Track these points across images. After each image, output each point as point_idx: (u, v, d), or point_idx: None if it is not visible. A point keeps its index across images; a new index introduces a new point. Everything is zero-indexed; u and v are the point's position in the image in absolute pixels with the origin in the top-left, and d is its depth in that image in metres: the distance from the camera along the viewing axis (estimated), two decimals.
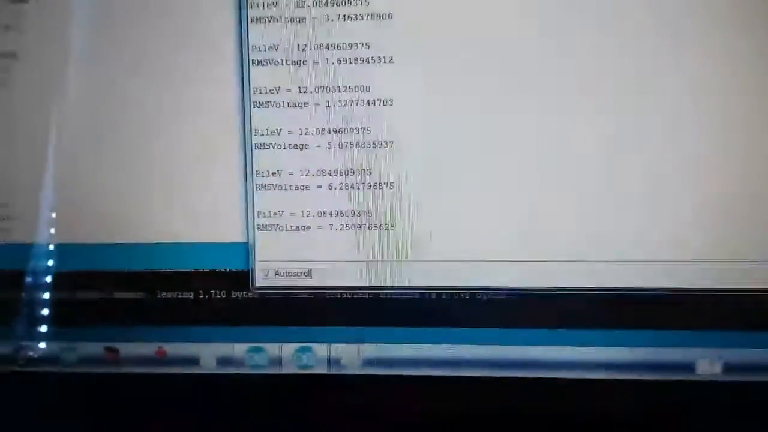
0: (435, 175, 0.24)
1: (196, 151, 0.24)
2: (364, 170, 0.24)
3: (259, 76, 0.24)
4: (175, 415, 0.26)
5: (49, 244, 0.25)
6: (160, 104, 0.24)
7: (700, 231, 0.23)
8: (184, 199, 0.25)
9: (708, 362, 0.24)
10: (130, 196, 0.25)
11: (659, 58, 0.23)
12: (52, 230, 0.25)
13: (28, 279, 0.25)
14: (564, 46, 0.23)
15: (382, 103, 0.24)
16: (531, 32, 0.23)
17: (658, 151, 0.23)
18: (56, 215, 0.25)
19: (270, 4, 0.24)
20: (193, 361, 0.26)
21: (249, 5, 0.24)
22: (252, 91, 0.24)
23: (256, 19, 0.24)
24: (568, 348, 0.25)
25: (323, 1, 0.24)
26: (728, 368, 0.24)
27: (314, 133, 0.24)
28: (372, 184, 0.24)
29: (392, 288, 0.25)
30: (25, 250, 0.25)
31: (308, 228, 0.25)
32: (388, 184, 0.24)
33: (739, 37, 0.23)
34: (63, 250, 0.25)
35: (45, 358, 0.26)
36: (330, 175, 0.24)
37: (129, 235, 0.25)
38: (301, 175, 0.24)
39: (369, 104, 0.24)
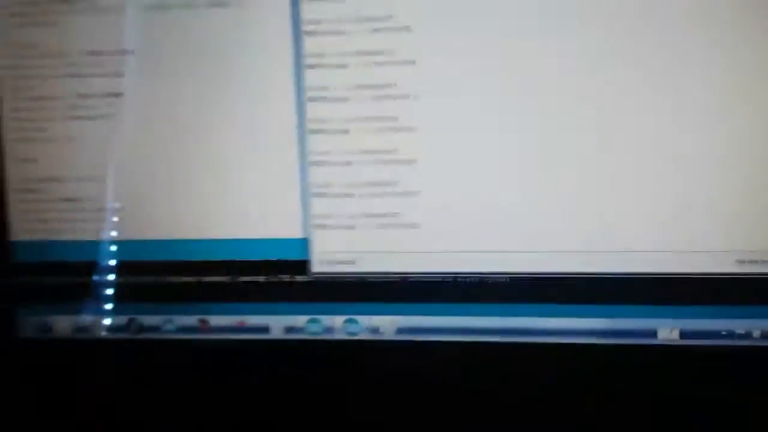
0: (454, 172, 0.31)
1: (267, 169, 0.32)
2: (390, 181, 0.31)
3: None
4: (250, 372, 0.33)
5: (154, 239, 0.33)
6: (234, 122, 0.32)
7: (659, 226, 0.30)
8: (260, 208, 0.32)
9: (668, 330, 0.31)
10: (221, 203, 0.32)
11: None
12: (156, 228, 0.33)
13: (139, 266, 0.33)
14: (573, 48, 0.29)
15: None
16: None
17: (639, 150, 0.30)
18: (160, 216, 0.33)
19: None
20: (265, 329, 0.33)
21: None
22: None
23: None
24: (559, 319, 0.31)
25: None
26: (684, 335, 0.31)
27: (358, 152, 0.31)
28: (400, 192, 0.31)
29: (419, 273, 0.32)
30: (136, 244, 0.33)
31: (353, 227, 0.32)
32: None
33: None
34: (164, 244, 0.33)
35: (151, 328, 0.34)
36: (367, 186, 0.32)
37: (214, 232, 0.33)
38: (346, 187, 0.32)
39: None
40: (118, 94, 0.32)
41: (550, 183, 0.30)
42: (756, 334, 0.30)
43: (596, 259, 0.31)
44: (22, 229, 0.34)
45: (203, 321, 0.33)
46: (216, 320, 0.33)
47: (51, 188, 0.33)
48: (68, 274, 0.33)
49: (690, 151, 0.29)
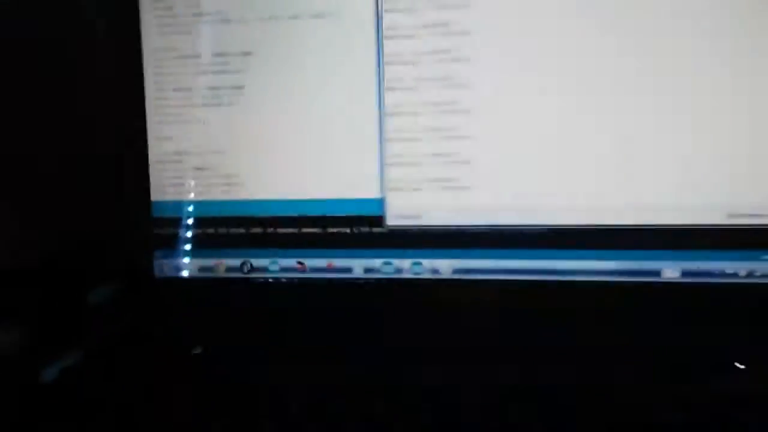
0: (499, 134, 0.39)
1: (354, 144, 0.41)
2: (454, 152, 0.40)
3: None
4: (335, 304, 0.42)
5: (264, 199, 0.42)
6: (329, 108, 0.41)
7: (666, 187, 0.38)
8: (348, 175, 0.41)
9: (671, 270, 0.39)
10: (317, 172, 0.41)
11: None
12: (266, 190, 0.42)
13: (251, 220, 0.42)
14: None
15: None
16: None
17: (653, 118, 0.38)
18: (269, 181, 0.42)
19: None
20: (349, 270, 0.42)
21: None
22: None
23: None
24: (582, 261, 0.39)
25: None
26: (684, 274, 0.39)
27: (423, 130, 0.40)
28: (455, 162, 0.40)
29: (470, 225, 0.40)
30: (249, 203, 0.42)
31: (419, 189, 0.40)
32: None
33: None
34: (272, 203, 0.42)
35: (260, 268, 0.43)
36: (430, 157, 0.40)
37: (311, 194, 0.42)
38: (413, 158, 0.40)
39: None
40: (238, 87, 0.42)
41: (580, 152, 0.38)
42: (742, 273, 0.38)
43: (614, 212, 0.39)
44: (161, 192, 0.43)
45: (300, 263, 0.42)
46: (310, 262, 0.42)
47: (184, 160, 0.43)
48: (196, 226, 0.43)
49: (693, 122, 0.37)
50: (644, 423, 0.31)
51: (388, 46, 0.40)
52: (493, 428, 0.31)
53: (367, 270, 0.42)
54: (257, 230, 0.42)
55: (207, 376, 0.37)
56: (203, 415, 0.34)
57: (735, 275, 0.38)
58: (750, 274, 0.38)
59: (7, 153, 0.44)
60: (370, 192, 0.41)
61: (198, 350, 0.40)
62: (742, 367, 0.35)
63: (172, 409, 0.34)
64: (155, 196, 0.43)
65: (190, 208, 0.43)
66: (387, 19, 0.40)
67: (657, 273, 0.39)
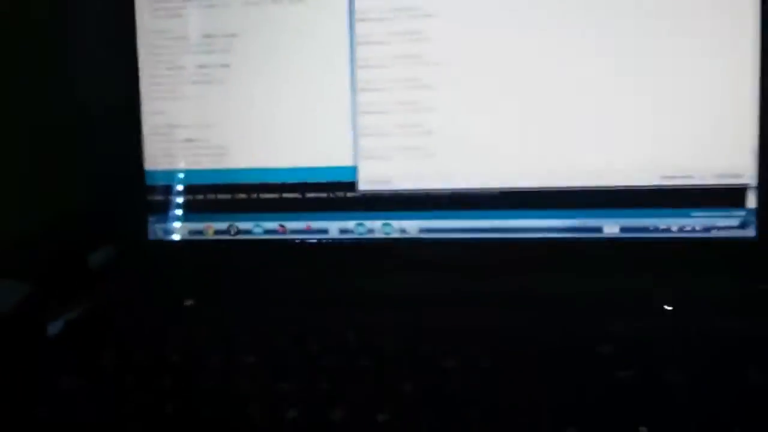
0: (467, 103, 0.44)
1: (329, 116, 0.45)
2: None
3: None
4: (313, 262, 0.46)
5: (248, 167, 0.46)
6: (305, 84, 0.45)
7: (605, 151, 0.42)
8: (323, 144, 0.45)
9: (611, 226, 0.44)
10: (296, 142, 0.45)
11: None
12: (249, 159, 0.46)
13: (236, 187, 0.46)
14: None
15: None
16: None
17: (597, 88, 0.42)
18: (252, 151, 0.46)
19: None
20: (325, 231, 0.46)
21: None
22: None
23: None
24: (532, 220, 0.44)
25: None
26: (623, 230, 0.43)
27: (393, 104, 0.44)
28: (421, 132, 0.44)
29: (434, 189, 0.45)
30: (235, 171, 0.46)
31: (389, 158, 0.45)
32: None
33: None
34: (254, 171, 0.46)
35: (244, 231, 0.47)
36: (398, 128, 0.45)
37: (290, 162, 0.46)
38: (383, 129, 0.45)
39: None
40: (225, 65, 0.46)
41: (528, 123, 0.43)
42: (674, 228, 0.43)
43: (559, 176, 0.43)
44: (153, 161, 0.48)
45: (282, 225, 0.47)
46: (290, 225, 0.47)
47: (175, 132, 0.47)
48: (186, 193, 0.47)
49: (630, 91, 0.42)
50: (586, 354, 0.36)
51: (360, 27, 0.44)
52: (449, 364, 0.36)
53: (342, 231, 0.46)
54: (242, 196, 0.47)
55: (198, 323, 0.42)
56: (196, 355, 0.38)
57: (668, 230, 0.43)
58: (681, 229, 0.43)
59: (12, 123, 0.48)
60: (344, 160, 0.46)
61: (190, 302, 0.44)
62: (670, 308, 0.40)
63: (169, 353, 0.39)
64: (148, 165, 0.48)
65: (181, 176, 0.47)
66: (358, 4, 0.44)
67: (599, 230, 0.44)
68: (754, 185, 0.41)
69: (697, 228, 0.43)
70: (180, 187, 0.47)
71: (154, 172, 0.48)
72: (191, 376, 0.36)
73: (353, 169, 0.45)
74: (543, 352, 0.36)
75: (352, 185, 0.46)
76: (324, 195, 0.46)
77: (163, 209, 0.48)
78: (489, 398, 0.32)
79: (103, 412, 0.34)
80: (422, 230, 0.46)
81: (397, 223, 0.46)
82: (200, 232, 0.48)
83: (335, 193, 0.46)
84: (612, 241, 0.43)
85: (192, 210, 0.47)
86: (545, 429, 0.30)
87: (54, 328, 0.42)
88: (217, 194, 0.47)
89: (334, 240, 0.46)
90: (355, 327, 0.39)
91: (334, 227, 0.46)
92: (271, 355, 0.37)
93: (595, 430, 0.30)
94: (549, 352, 0.36)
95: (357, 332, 0.38)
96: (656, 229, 0.43)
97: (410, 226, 0.46)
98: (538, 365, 0.35)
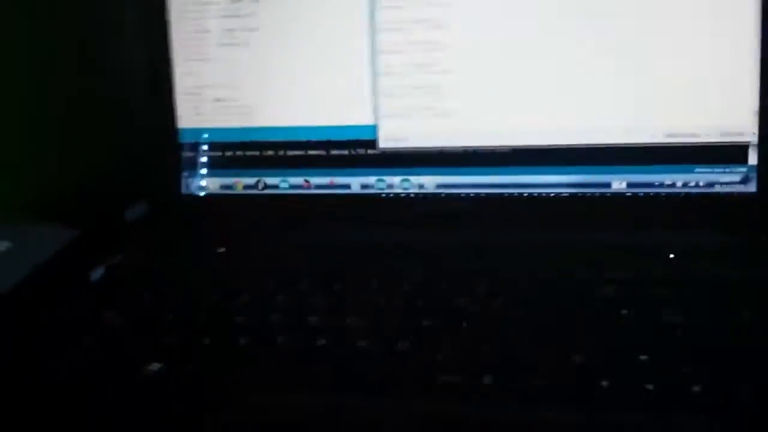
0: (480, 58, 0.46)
1: (351, 77, 0.47)
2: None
3: None
4: (336, 215, 0.49)
5: (275, 125, 0.49)
6: (326, 46, 0.47)
7: (614, 110, 0.45)
8: (346, 104, 0.48)
9: (618, 182, 0.46)
10: (320, 102, 0.48)
11: None
12: (276, 117, 0.49)
13: (264, 144, 0.49)
14: None
15: None
16: None
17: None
18: (279, 109, 0.49)
19: None
20: (347, 186, 0.49)
21: None
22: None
23: None
24: (544, 176, 0.46)
25: None
26: (630, 185, 0.46)
27: (411, 66, 0.47)
28: (439, 93, 0.47)
29: (450, 146, 0.47)
30: (263, 129, 0.49)
31: (407, 115, 0.47)
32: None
33: None
34: (282, 129, 0.49)
35: (271, 186, 0.50)
36: (416, 89, 0.47)
37: (315, 121, 0.48)
38: (402, 90, 0.47)
39: None
40: (251, 29, 0.48)
41: (540, 82, 0.45)
42: (679, 184, 0.45)
43: (570, 134, 0.46)
44: (185, 120, 0.50)
45: (306, 181, 0.50)
46: (315, 180, 0.50)
47: (205, 92, 0.50)
48: (216, 150, 0.50)
49: (638, 53, 0.44)
50: (590, 295, 0.38)
51: None
52: (459, 303, 0.38)
53: (363, 186, 0.49)
54: (269, 153, 0.50)
55: (229, 267, 0.45)
56: (227, 294, 0.41)
57: (673, 186, 0.45)
58: (685, 185, 0.45)
59: (56, 87, 0.51)
60: (365, 119, 0.48)
61: (222, 249, 0.47)
62: (672, 256, 0.42)
63: (201, 293, 0.42)
64: (181, 124, 0.50)
65: (211, 135, 0.50)
66: None
67: (608, 185, 0.46)
68: (755, 143, 0.43)
69: (701, 183, 0.45)
70: (210, 145, 0.50)
71: (187, 131, 0.50)
72: (225, 313, 0.39)
73: (374, 128, 0.48)
74: (550, 292, 0.38)
75: (372, 143, 0.48)
76: (346, 152, 0.49)
77: (195, 166, 0.51)
78: (500, 331, 0.35)
79: (143, 346, 0.37)
80: (439, 186, 0.48)
81: (415, 179, 0.48)
82: (230, 187, 0.51)
83: (357, 150, 0.49)
84: (619, 196, 0.46)
85: (222, 166, 0.50)
86: (552, 358, 0.32)
87: (96, 274, 0.46)
88: (245, 151, 0.50)
89: (356, 194, 0.49)
90: (376, 272, 0.42)
91: (355, 182, 0.49)
92: (297, 294, 0.40)
93: (599, 358, 0.32)
94: (555, 292, 0.38)
95: (378, 275, 0.41)
96: (662, 185, 0.45)
97: (428, 182, 0.48)
98: (545, 304, 0.37)
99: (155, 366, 0.33)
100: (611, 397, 0.30)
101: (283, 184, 0.50)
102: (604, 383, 0.30)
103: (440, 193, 0.48)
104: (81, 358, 0.37)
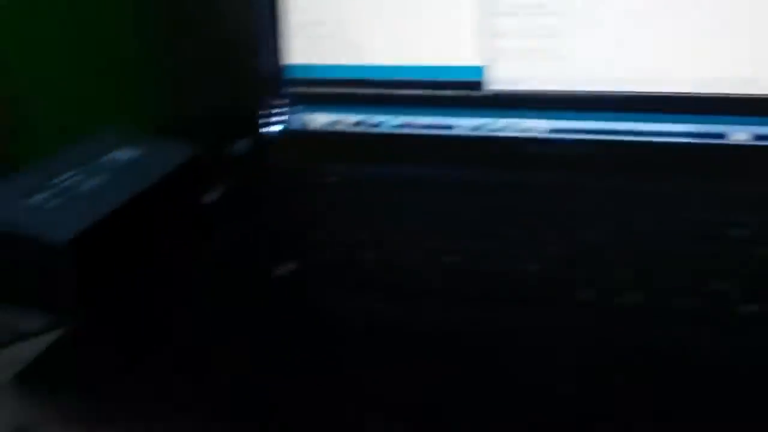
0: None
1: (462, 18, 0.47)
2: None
3: None
4: (439, 156, 0.49)
5: (388, 64, 0.49)
6: None
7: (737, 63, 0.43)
8: (457, 45, 0.47)
9: (739, 132, 0.45)
10: (436, 43, 0.48)
11: None
12: (391, 55, 0.49)
13: (374, 83, 0.49)
14: None
15: None
16: None
17: None
18: (395, 47, 0.49)
19: None
20: (451, 127, 0.49)
21: None
22: None
23: None
24: (665, 124, 0.45)
25: None
26: (755, 137, 0.44)
27: (526, 6, 0.46)
28: (551, 35, 0.46)
29: (561, 91, 0.46)
30: (373, 68, 0.49)
31: (518, 58, 0.47)
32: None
33: None
34: (393, 68, 0.49)
35: (377, 124, 0.50)
36: (528, 31, 0.46)
37: (423, 60, 0.48)
38: (513, 31, 0.47)
39: None
40: None
41: (661, 28, 0.44)
42: None
43: (689, 83, 0.44)
44: (295, 56, 0.51)
45: (411, 120, 0.50)
46: (420, 120, 0.50)
47: (315, 29, 0.50)
48: (323, 86, 0.51)
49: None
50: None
51: None
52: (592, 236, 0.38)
53: (470, 128, 0.49)
54: (375, 91, 0.50)
55: (336, 198, 0.45)
56: (341, 214, 0.41)
57: None
58: None
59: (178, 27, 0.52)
60: (473, 60, 0.48)
61: (333, 179, 0.48)
62: None
63: (304, 225, 0.42)
64: (289, 60, 0.51)
65: (319, 71, 0.50)
66: None
67: (724, 136, 0.45)
68: None
69: None
70: (317, 81, 0.51)
71: (294, 67, 0.51)
72: (340, 231, 0.39)
73: (481, 69, 0.48)
74: (682, 230, 0.38)
75: (479, 84, 0.48)
76: (453, 93, 0.49)
77: (302, 101, 0.51)
78: (619, 262, 0.35)
79: (262, 258, 0.38)
80: (552, 130, 0.48)
81: (525, 122, 0.48)
82: (335, 124, 0.51)
83: (464, 91, 0.48)
84: (738, 147, 0.44)
85: (328, 103, 0.51)
86: (687, 282, 0.32)
87: (210, 196, 0.47)
88: (352, 88, 0.50)
89: (461, 136, 0.49)
90: (481, 209, 0.42)
91: (462, 124, 0.49)
92: (407, 221, 0.40)
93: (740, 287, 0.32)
94: (687, 230, 0.38)
95: (482, 213, 0.41)
96: None
97: (539, 125, 0.48)
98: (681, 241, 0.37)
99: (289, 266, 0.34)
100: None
101: (388, 123, 0.50)
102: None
103: (553, 138, 0.47)
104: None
